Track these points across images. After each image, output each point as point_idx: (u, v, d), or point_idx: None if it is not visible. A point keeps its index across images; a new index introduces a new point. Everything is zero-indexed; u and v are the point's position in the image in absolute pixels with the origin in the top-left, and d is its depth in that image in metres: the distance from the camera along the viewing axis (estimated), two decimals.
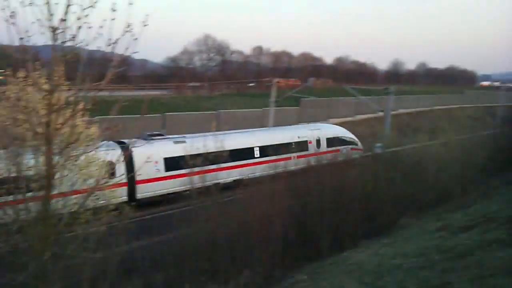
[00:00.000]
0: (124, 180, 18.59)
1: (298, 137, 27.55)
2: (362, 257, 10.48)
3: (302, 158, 24.35)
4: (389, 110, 31.88)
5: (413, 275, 7.44)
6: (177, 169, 20.58)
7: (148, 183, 20.95)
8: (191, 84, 69.75)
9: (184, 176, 17.85)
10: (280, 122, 35.31)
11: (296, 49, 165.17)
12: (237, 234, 12.19)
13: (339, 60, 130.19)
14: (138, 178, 20.08)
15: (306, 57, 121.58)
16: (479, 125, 49.57)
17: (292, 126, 32.55)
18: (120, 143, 20.18)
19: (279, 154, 23.41)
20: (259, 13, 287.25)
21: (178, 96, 56.66)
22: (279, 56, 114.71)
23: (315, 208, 13.72)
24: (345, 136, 30.19)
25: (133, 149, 18.58)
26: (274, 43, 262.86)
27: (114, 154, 15.89)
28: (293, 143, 26.54)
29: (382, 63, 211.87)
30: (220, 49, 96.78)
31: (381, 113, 36.74)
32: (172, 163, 21.41)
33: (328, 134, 29.43)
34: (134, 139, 19.17)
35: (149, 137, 22.22)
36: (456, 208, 13.49)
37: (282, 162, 20.68)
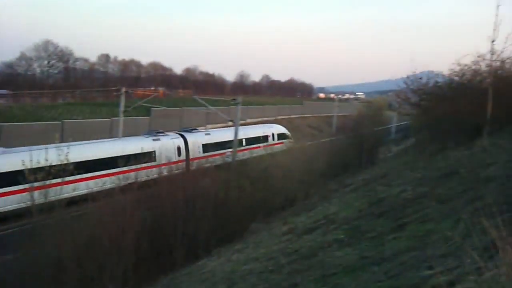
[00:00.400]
0: (183, 158, 29.73)
1: (264, 133, 40.30)
2: (216, 265, 10.63)
3: (266, 147, 35.84)
4: (238, 120, 32.98)
5: (264, 279, 7.74)
6: (208, 152, 30.97)
7: (195, 160, 28.47)
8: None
9: (212, 157, 29.18)
10: (131, 132, 34.28)
11: (145, 58, 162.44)
12: (86, 251, 11.53)
13: (188, 71, 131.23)
14: (190, 156, 30.31)
15: (155, 66, 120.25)
16: (318, 134, 53.86)
17: (259, 125, 45.57)
18: (179, 134, 32.10)
19: (256, 143, 36.39)
20: (105, 20, 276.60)
21: (15, 105, 51.67)
22: (127, 64, 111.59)
23: (168, 218, 13.61)
24: (286, 133, 43.12)
25: (187, 138, 31.35)
26: (122, 52, 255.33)
27: (179, 141, 30.24)
28: (261, 137, 38.94)
29: (229, 75, 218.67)
30: (63, 55, 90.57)
31: (230, 123, 37.97)
32: (206, 148, 31.99)
33: (278, 131, 42.34)
34: (185, 132, 32.43)
35: (192, 130, 34.47)
36: (300, 211, 14.38)
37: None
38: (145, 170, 22.67)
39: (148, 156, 25.97)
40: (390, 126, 51.54)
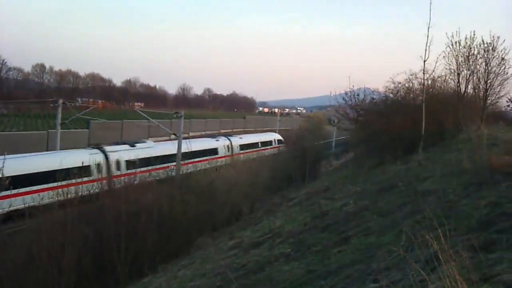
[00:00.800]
0: (230, 154, 40.97)
1: (269, 139, 51.72)
2: (161, 282, 10.45)
3: (271, 149, 47.31)
4: (180, 134, 32.70)
5: None
6: (243, 150, 43.90)
7: (236, 156, 40.15)
8: None
9: (246, 154, 41.31)
10: (69, 145, 33.07)
11: (83, 69, 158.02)
12: (24, 268, 10.98)
13: (129, 83, 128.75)
14: (233, 153, 41.81)
15: (94, 77, 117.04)
16: None
17: (265, 133, 57.71)
18: (227, 137, 44.64)
19: (265, 146, 48.26)
20: (41, 29, 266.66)
21: None
22: (64, 75, 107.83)
23: (111, 234, 13.20)
24: (282, 139, 52.91)
25: (231, 140, 43.90)
26: (58, 62, 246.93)
27: (228, 142, 43.35)
28: (267, 141, 50.49)
29: (171, 88, 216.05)
30: None
31: (173, 136, 37.60)
32: (241, 147, 44.47)
33: (277, 138, 53.16)
34: (229, 136, 45.58)
35: (232, 135, 46.83)
36: (246, 226, 14.43)
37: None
38: (213, 160, 38.29)
39: (214, 151, 40.52)
40: (330, 140, 53.13)
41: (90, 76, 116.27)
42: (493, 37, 17.71)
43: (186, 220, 15.46)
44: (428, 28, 14.98)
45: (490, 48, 17.79)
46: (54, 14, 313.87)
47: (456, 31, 17.95)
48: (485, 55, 17.99)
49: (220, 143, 42.56)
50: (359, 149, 23.86)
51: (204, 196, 18.01)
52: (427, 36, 14.98)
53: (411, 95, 21.08)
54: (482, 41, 17.87)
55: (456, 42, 18.00)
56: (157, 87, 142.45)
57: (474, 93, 19.18)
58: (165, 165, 28.89)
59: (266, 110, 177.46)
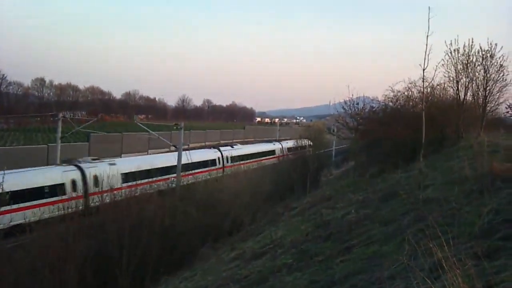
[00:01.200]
0: (282, 154, 53.73)
1: (305, 143, 56.25)
2: None
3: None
4: (181, 145, 32.76)
5: None
6: (289, 152, 49.68)
7: (282, 156, 50.00)
8: None
9: (287, 155, 48.76)
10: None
11: (82, 82, 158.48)
12: (26, 281, 10.92)
13: (128, 95, 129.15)
14: (284, 154, 52.11)
15: (93, 90, 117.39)
16: None
17: (301, 139, 61.86)
18: (276, 141, 61.31)
19: (294, 151, 50.30)
20: (41, 43, 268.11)
21: None
22: (63, 89, 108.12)
23: (113, 246, 13.15)
24: (311, 144, 56.22)
25: (282, 144, 58.81)
26: (58, 76, 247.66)
27: (280, 145, 58.55)
28: (303, 146, 52.43)
29: (171, 99, 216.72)
30: None
31: (173, 148, 37.71)
32: (286, 150, 53.64)
33: (310, 143, 56.60)
34: (279, 140, 62.53)
35: (281, 140, 62.90)
36: (248, 236, 14.36)
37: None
38: (273, 158, 51.05)
39: (273, 152, 54.60)
40: (330, 149, 53.36)
41: (89, 89, 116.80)
42: (491, 44, 17.74)
43: (188, 231, 15.40)
44: (427, 36, 15.04)
45: (489, 55, 17.77)
46: (53, 28, 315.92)
47: (455, 39, 17.98)
48: (484, 62, 17.97)
49: (276, 146, 57.74)
50: (360, 158, 23.83)
51: (205, 207, 17.96)
52: (426, 45, 15.04)
53: (411, 103, 21.13)
54: (480, 48, 17.89)
55: (454, 50, 17.95)
56: (157, 99, 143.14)
57: (473, 100, 19.14)
58: (251, 160, 46.21)
59: (267, 120, 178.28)
